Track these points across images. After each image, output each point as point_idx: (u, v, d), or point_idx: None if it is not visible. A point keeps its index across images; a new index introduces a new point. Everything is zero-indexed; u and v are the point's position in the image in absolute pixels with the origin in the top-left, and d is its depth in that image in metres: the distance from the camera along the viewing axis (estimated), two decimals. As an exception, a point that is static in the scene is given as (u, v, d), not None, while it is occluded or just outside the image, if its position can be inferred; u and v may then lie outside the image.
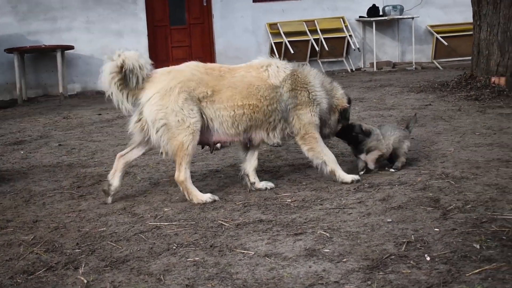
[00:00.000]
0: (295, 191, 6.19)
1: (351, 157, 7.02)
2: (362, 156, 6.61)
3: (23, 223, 5.71)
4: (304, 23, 17.90)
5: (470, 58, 13.14)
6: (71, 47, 16.30)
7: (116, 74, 5.99)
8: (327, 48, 17.59)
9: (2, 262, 4.77)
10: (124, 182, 6.90)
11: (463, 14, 17.42)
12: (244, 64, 6.42)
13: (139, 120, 6.04)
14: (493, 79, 11.65)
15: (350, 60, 18.28)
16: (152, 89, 5.96)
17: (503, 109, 10.03)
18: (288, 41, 17.41)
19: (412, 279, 4.00)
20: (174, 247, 4.86)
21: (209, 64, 6.30)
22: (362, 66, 18.45)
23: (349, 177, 6.31)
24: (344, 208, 5.53)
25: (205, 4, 17.90)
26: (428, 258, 4.29)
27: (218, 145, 6.53)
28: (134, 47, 16.50)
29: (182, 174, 5.97)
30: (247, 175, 6.40)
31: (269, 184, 6.38)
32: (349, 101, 6.63)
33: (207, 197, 6.00)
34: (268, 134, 6.22)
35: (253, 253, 4.63)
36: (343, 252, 4.52)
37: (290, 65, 6.34)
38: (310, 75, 6.35)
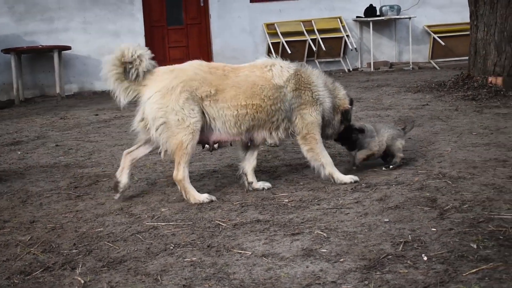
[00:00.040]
0: (293, 191, 6.19)
1: (349, 157, 7.01)
2: (353, 152, 6.71)
3: (20, 224, 5.71)
4: (301, 23, 17.89)
5: (467, 58, 13.15)
6: (68, 48, 16.28)
7: (116, 67, 6.01)
8: (324, 48, 17.58)
9: (-1, 263, 4.77)
10: (121, 183, 6.91)
11: (460, 14, 17.44)
12: (248, 64, 6.43)
13: (143, 119, 6.05)
14: (490, 79, 11.66)
15: (347, 60, 18.27)
16: (153, 87, 5.97)
17: (500, 109, 10.04)
18: (286, 41, 17.40)
19: (409, 279, 4.00)
20: (171, 247, 4.86)
21: (213, 63, 6.30)
22: (359, 66, 18.45)
23: (347, 178, 6.31)
24: (341, 208, 5.53)
25: (202, 4, 17.89)
26: (425, 258, 4.30)
27: (216, 145, 6.53)
28: (131, 48, 16.52)
29: (181, 173, 5.98)
30: (245, 174, 6.40)
31: (266, 184, 6.38)
32: (351, 102, 6.65)
33: (204, 197, 6.00)
34: (271, 133, 6.23)
35: (250, 253, 4.63)
36: (340, 252, 4.52)
37: (294, 65, 6.36)
38: (313, 75, 6.36)
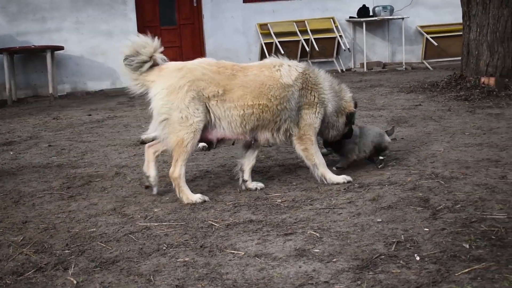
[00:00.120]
0: (285, 191, 6.20)
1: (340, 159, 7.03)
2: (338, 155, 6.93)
3: (13, 224, 5.69)
4: (294, 23, 17.89)
5: (460, 58, 13.18)
6: (61, 48, 16.24)
7: (124, 60, 6.17)
8: (317, 49, 17.59)
9: (-9, 263, 4.76)
10: (114, 183, 6.91)
11: (453, 15, 17.47)
12: (257, 63, 6.46)
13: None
14: (482, 79, 11.69)
15: (340, 60, 18.29)
16: (161, 84, 6.01)
17: (492, 109, 10.07)
18: (279, 42, 17.40)
19: (402, 278, 4.01)
20: (164, 248, 4.86)
21: (222, 62, 6.26)
22: (353, 67, 18.47)
23: (340, 178, 6.33)
24: (334, 208, 5.54)
25: (195, 5, 17.88)
26: (417, 258, 4.31)
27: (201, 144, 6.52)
28: (124, 48, 16.48)
29: (177, 170, 5.99)
30: (242, 172, 6.41)
31: (259, 185, 6.39)
32: (356, 105, 6.69)
33: (197, 197, 6.00)
34: (272, 134, 6.24)
35: (243, 253, 4.63)
36: (333, 252, 4.53)
37: (302, 64, 6.38)
38: (320, 76, 6.40)
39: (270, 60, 6.40)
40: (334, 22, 18.16)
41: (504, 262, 4.14)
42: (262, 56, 17.13)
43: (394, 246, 4.54)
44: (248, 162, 6.43)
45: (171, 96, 5.93)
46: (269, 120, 6.14)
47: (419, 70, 17.32)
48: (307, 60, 17.59)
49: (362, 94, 12.83)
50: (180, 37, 17.85)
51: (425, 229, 4.83)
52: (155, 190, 6.35)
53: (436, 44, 17.76)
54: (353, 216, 5.30)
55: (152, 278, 4.30)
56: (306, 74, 6.27)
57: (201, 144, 7.55)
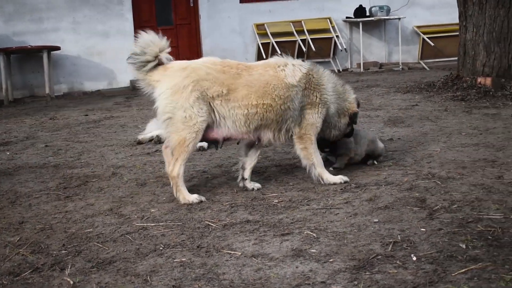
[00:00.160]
0: (282, 192, 6.20)
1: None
2: (331, 158, 6.98)
3: (9, 224, 5.68)
4: (291, 23, 17.91)
5: (456, 58, 13.20)
6: (58, 48, 16.23)
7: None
8: (314, 49, 17.61)
9: (-12, 264, 4.75)
10: (111, 183, 6.90)
11: (449, 15, 17.49)
12: (261, 62, 6.46)
13: None
14: (479, 79, 11.71)
15: (337, 60, 18.31)
16: (165, 84, 6.01)
17: (489, 109, 10.08)
18: (275, 42, 17.42)
19: (399, 279, 4.01)
20: (161, 248, 4.85)
21: (227, 61, 6.26)
22: (349, 67, 18.49)
23: (337, 179, 6.34)
24: (331, 209, 5.54)
25: (192, 5, 17.88)
26: (414, 258, 4.31)
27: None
28: (121, 48, 16.50)
29: (176, 169, 6.00)
30: (243, 170, 6.42)
31: (256, 185, 6.39)
32: (358, 105, 6.71)
33: (193, 197, 6.00)
34: (274, 135, 6.25)
35: (240, 253, 4.63)
36: (329, 252, 4.53)
37: (306, 64, 6.39)
38: (324, 76, 6.41)
39: (275, 59, 6.41)
40: (331, 22, 18.18)
41: (500, 262, 4.15)
42: (259, 56, 17.15)
43: (390, 246, 4.55)
44: (250, 161, 6.44)
45: (176, 96, 5.94)
46: (272, 119, 6.15)
47: (415, 70, 17.34)
48: (304, 60, 17.59)
49: (358, 95, 12.71)
50: (177, 37, 17.84)
51: (422, 229, 4.84)
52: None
53: (432, 44, 17.79)
54: (350, 216, 5.30)
55: (149, 278, 4.30)
56: (310, 74, 6.28)
57: (199, 144, 7.55)
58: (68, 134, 10.39)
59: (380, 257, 4.37)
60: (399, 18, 18.01)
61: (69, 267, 4.59)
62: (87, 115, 12.54)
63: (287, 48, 17.28)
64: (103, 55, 16.89)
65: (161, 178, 6.93)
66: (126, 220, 5.63)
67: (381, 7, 17.87)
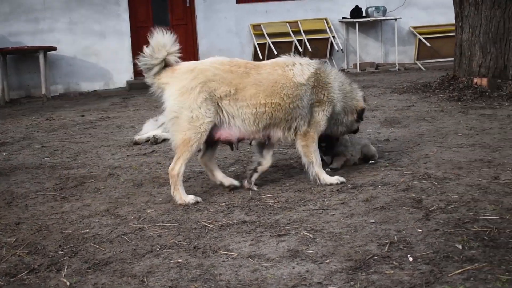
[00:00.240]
0: (279, 192, 6.20)
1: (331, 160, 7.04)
2: (326, 158, 6.98)
3: (5, 225, 5.68)
4: (287, 24, 17.91)
5: (452, 59, 13.21)
6: (54, 48, 16.21)
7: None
8: (310, 49, 17.59)
9: (-16, 265, 4.75)
10: (107, 184, 6.90)
11: (445, 16, 17.50)
12: (270, 61, 6.47)
13: None
14: (475, 80, 11.72)
15: (333, 61, 18.30)
16: (173, 87, 6.04)
17: (485, 110, 10.09)
18: (272, 42, 17.41)
19: (395, 279, 4.02)
20: (158, 249, 4.85)
21: (234, 60, 6.28)
22: (346, 67, 18.48)
23: (333, 179, 6.35)
24: (327, 209, 5.54)
25: (188, 5, 17.87)
26: (410, 259, 4.31)
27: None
28: (117, 48, 16.50)
29: (177, 168, 6.00)
30: (259, 165, 6.44)
31: (254, 188, 6.39)
32: (365, 102, 6.84)
33: (190, 198, 6.00)
34: (284, 133, 6.28)
35: (236, 254, 4.63)
36: (326, 253, 4.53)
37: (314, 62, 6.41)
38: (331, 75, 6.45)
39: (283, 58, 6.43)
40: (327, 23, 18.18)
41: (496, 262, 4.15)
42: (255, 57, 17.14)
43: (387, 247, 4.55)
44: (266, 162, 6.46)
45: (184, 97, 5.96)
46: (281, 118, 6.18)
47: (412, 71, 17.35)
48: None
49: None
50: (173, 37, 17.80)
51: (418, 229, 4.84)
52: (236, 183, 6.39)
53: (428, 45, 17.80)
54: (346, 217, 5.30)
55: (145, 279, 4.30)
56: (318, 73, 6.32)
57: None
58: (65, 134, 10.39)
59: (376, 257, 4.38)
60: (396, 19, 18.02)
61: (66, 268, 4.59)
62: (83, 115, 12.53)
63: (283, 49, 17.31)
64: (100, 56, 16.87)
65: (158, 179, 6.93)
66: (122, 220, 5.63)
67: (377, 8, 17.87)
